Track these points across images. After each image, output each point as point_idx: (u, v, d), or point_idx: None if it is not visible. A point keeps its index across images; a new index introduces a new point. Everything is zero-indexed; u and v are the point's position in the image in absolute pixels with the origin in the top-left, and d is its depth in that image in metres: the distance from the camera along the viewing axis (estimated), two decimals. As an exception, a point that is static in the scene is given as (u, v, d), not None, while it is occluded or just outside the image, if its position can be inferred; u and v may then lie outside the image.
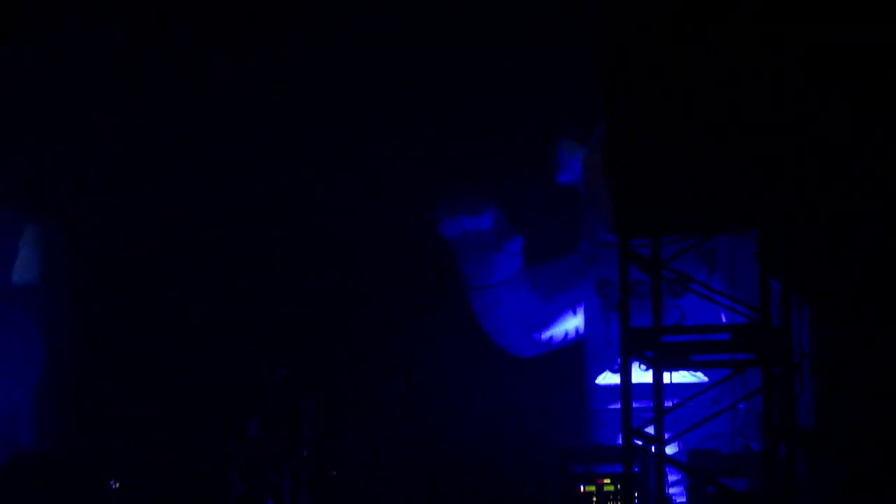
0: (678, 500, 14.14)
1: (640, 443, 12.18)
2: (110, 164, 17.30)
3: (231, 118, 17.29)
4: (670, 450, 13.19)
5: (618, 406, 12.34)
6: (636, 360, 12.31)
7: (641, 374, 13.18)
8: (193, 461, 15.24)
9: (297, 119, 17.22)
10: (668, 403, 12.61)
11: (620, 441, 12.27)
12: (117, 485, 15.19)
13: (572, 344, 16.03)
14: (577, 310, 15.93)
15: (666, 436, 12.17)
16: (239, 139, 17.31)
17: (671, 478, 13.98)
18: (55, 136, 17.18)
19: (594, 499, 13.86)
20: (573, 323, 16.01)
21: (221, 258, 17.38)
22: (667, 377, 12.81)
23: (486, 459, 16.35)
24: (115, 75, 17.15)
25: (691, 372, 14.40)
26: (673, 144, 11.60)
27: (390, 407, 17.24)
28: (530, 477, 15.19)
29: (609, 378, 15.28)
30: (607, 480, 13.84)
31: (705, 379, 14.37)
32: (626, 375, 11.92)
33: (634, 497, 12.99)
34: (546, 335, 16.09)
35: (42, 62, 17.00)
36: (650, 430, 12.16)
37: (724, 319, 14.22)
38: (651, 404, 12.33)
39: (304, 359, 15.82)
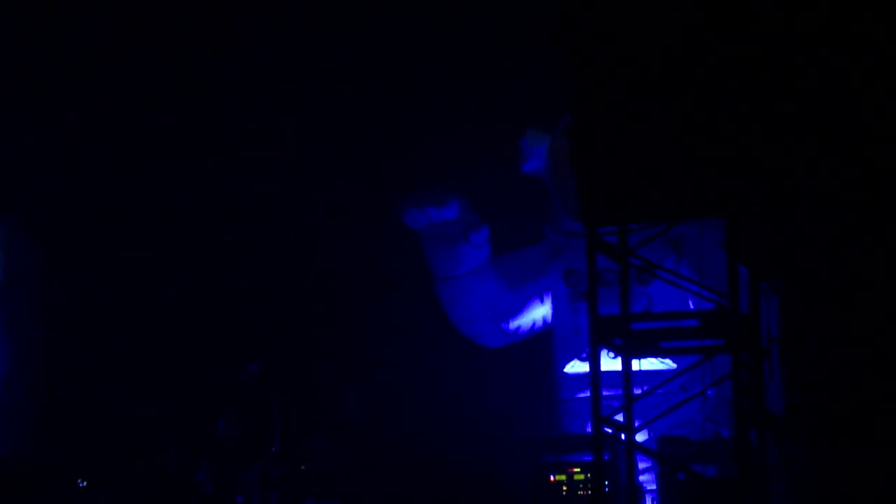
0: (649, 488, 14.14)
1: (609, 431, 12.16)
2: (74, 160, 17.20)
3: (193, 109, 17.22)
4: (640, 437, 13.19)
5: (587, 395, 12.33)
6: (605, 348, 12.29)
7: (610, 362, 13.16)
8: (162, 460, 15.15)
9: (262, 113, 17.16)
10: (638, 391, 12.60)
11: (590, 430, 12.26)
12: (85, 484, 15.10)
13: (540, 333, 16.02)
14: (545, 299, 15.92)
15: (636, 423, 12.16)
16: (203, 131, 17.23)
17: (642, 465, 13.97)
18: (16, 131, 17.06)
19: (564, 488, 13.84)
20: (541, 312, 15.99)
21: (188, 256, 17.30)
22: (636, 364, 12.77)
23: (456, 451, 16.31)
24: (78, 69, 17.06)
25: (660, 359, 14.40)
26: (638, 132, 11.57)
27: (358, 401, 17.19)
28: (500, 468, 15.15)
29: (577, 367, 15.27)
30: (577, 469, 13.82)
31: (674, 366, 14.36)
32: (594, 364, 11.90)
33: (605, 485, 12.96)
34: (514, 325, 16.08)
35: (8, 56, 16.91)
36: (620, 417, 12.15)
37: (692, 306, 14.21)
38: (620, 392, 12.33)
39: (272, 355, 15.75)
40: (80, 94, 17.12)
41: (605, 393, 11.97)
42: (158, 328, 17.13)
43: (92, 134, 17.23)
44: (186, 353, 16.89)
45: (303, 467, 15.50)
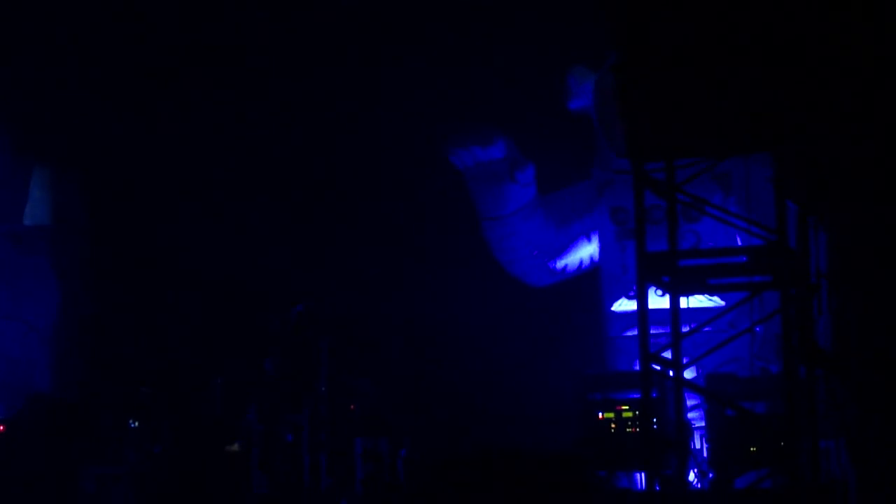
0: (697, 425, 14.13)
1: (658, 368, 12.14)
2: (121, 106, 17.26)
3: (236, 57, 17.24)
4: (688, 374, 13.14)
5: (634, 332, 12.30)
6: (652, 285, 12.24)
7: (657, 300, 13.12)
8: (211, 401, 15.24)
9: (309, 58, 17.15)
10: (685, 328, 12.55)
11: (638, 367, 12.24)
12: (136, 424, 15.21)
13: (587, 272, 15.99)
14: (592, 237, 15.88)
15: (684, 360, 12.13)
16: (246, 75, 17.24)
17: (690, 402, 13.97)
18: (63, 79, 17.13)
19: (613, 425, 13.83)
20: (588, 251, 15.96)
21: (235, 198, 17.34)
22: (683, 302, 12.74)
23: (504, 389, 16.34)
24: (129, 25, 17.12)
25: (708, 296, 14.33)
26: (685, 67, 11.47)
27: (404, 342, 17.22)
28: (548, 405, 15.17)
29: (625, 305, 15.24)
30: (626, 407, 13.81)
31: (722, 303, 14.30)
32: (642, 301, 11.85)
33: (653, 422, 12.95)
34: (561, 264, 16.05)
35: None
36: (668, 355, 12.12)
37: (740, 243, 14.13)
38: (668, 330, 12.29)
39: (318, 296, 15.79)
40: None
41: (652, 330, 11.93)
42: (206, 271, 17.19)
43: (142, 84, 17.29)
44: (234, 295, 16.95)
45: (351, 407, 15.55)
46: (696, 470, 13.77)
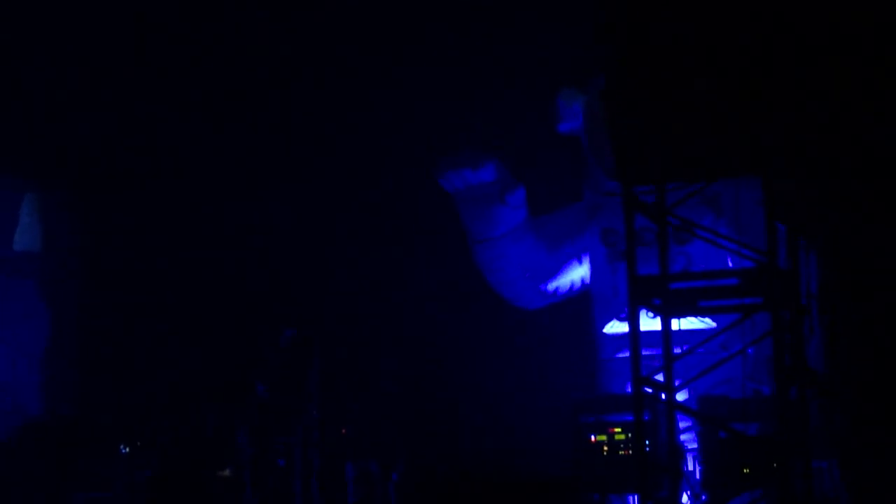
0: (690, 447, 14.11)
1: (650, 390, 12.13)
2: (111, 131, 17.24)
3: (222, 78, 17.24)
4: (681, 397, 13.14)
5: (626, 355, 12.28)
6: (644, 307, 12.24)
7: (649, 322, 13.10)
8: (202, 424, 15.21)
9: (294, 77, 17.16)
10: (677, 350, 12.54)
11: (630, 389, 12.22)
12: (127, 449, 15.18)
13: (578, 294, 15.96)
14: (583, 259, 15.85)
15: (676, 383, 12.12)
16: (235, 95, 17.24)
17: (682, 424, 13.93)
18: (57, 104, 17.14)
19: (605, 448, 13.80)
20: (579, 273, 15.94)
21: (225, 220, 17.32)
22: (675, 324, 12.73)
23: (495, 413, 16.31)
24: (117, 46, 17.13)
25: (700, 318, 14.31)
26: (673, 90, 11.49)
27: (395, 365, 17.20)
28: (540, 428, 15.14)
29: (617, 327, 15.21)
30: (618, 429, 13.77)
31: (714, 324, 14.27)
32: (634, 324, 11.86)
33: (646, 445, 12.93)
34: (552, 286, 16.02)
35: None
36: (660, 377, 12.12)
37: (730, 265, 14.12)
38: (660, 352, 12.28)
39: (310, 320, 15.76)
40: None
41: (644, 353, 11.93)
42: (197, 294, 17.16)
43: (129, 104, 17.27)
44: (225, 318, 16.92)
45: (343, 431, 15.54)
46: (689, 492, 13.75)
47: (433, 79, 16.72)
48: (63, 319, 16.80)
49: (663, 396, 12.18)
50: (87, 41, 17.01)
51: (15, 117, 17.08)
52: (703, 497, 13.46)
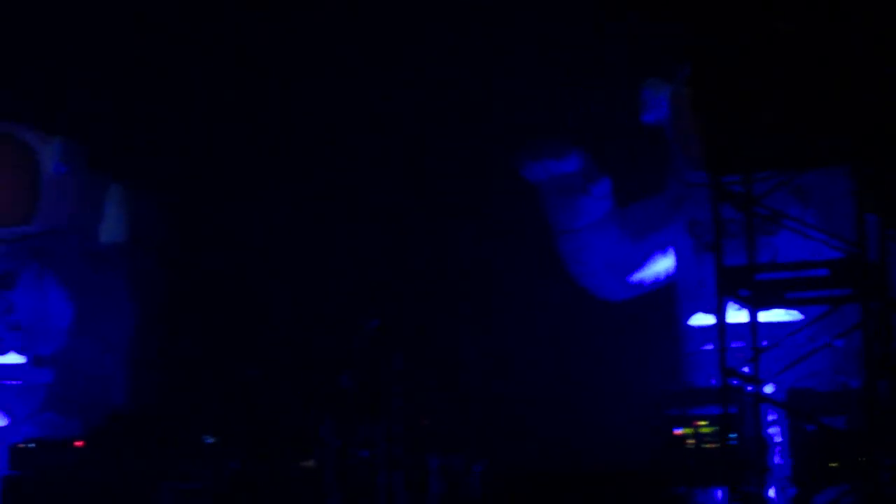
0: (776, 440, 13.99)
1: (736, 383, 12.04)
2: (195, 123, 17.37)
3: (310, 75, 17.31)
4: (767, 389, 13.02)
5: (712, 347, 12.18)
6: (731, 299, 12.13)
7: (735, 314, 12.99)
8: (286, 415, 15.27)
9: (381, 67, 17.20)
10: (764, 343, 12.44)
11: (716, 382, 12.13)
12: (212, 440, 15.26)
13: (663, 286, 15.86)
14: (668, 251, 15.74)
15: (762, 375, 12.02)
16: (321, 92, 17.30)
17: (769, 417, 13.81)
18: (138, 97, 17.29)
19: (691, 441, 13.71)
20: (664, 264, 15.82)
21: (310, 213, 17.38)
22: (762, 316, 12.62)
23: (579, 405, 16.23)
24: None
25: (787, 310, 14.17)
26: (763, 78, 11.38)
27: (478, 357, 17.17)
28: (625, 421, 15.05)
29: (702, 319, 15.07)
30: (703, 422, 13.66)
31: (801, 317, 14.12)
32: (720, 315, 11.77)
33: (732, 438, 12.82)
34: (636, 277, 15.93)
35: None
36: (746, 370, 12.02)
37: (818, 256, 13.94)
38: (746, 344, 12.19)
39: (393, 310, 15.78)
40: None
41: (730, 345, 11.84)
42: (280, 286, 17.24)
43: (216, 97, 17.41)
44: (310, 309, 16.99)
45: (425, 423, 15.54)
46: (775, 486, 13.64)
47: (518, 69, 16.68)
48: (148, 311, 16.92)
49: (750, 389, 12.09)
50: (171, 34, 17.16)
51: (101, 112, 17.25)
52: (790, 491, 13.33)
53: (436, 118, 17.07)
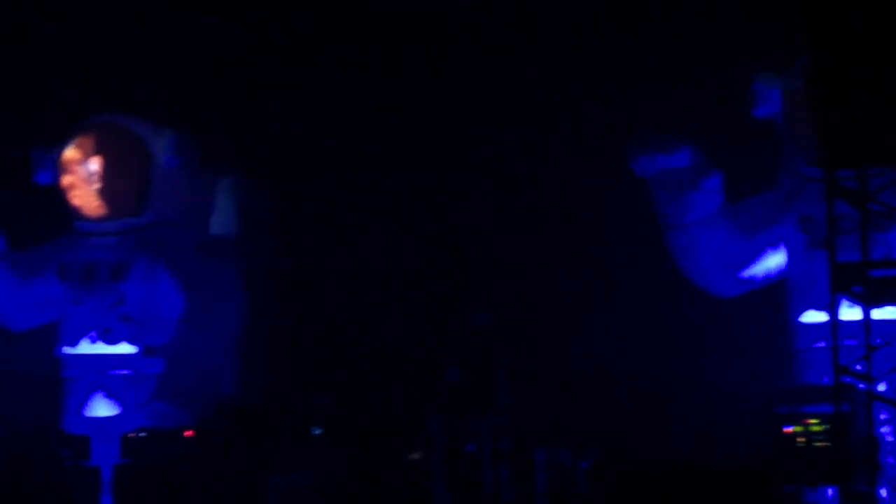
0: (889, 440, 13.82)
1: (848, 381, 11.91)
2: (308, 116, 17.49)
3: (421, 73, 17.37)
4: (880, 388, 12.87)
5: (823, 344, 12.05)
6: (844, 296, 11.99)
7: (848, 311, 12.84)
8: (394, 408, 15.32)
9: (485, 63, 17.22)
10: (877, 341, 12.29)
11: (828, 380, 12.01)
12: (319, 431, 15.35)
13: (774, 282, 15.69)
14: (779, 247, 15.58)
15: (875, 373, 11.88)
16: (432, 85, 17.34)
17: (881, 416, 13.65)
18: (255, 90, 17.44)
19: (801, 439, 13.57)
20: (775, 260, 15.65)
21: (417, 205, 17.42)
22: (875, 313, 12.46)
23: (688, 400, 16.12)
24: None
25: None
26: (880, 71, 11.22)
27: (588, 352, 17.10)
28: (734, 418, 14.93)
29: (814, 316, 14.89)
30: (815, 420, 13.51)
31: (916, 315, 13.92)
32: (833, 313, 11.66)
33: (844, 437, 12.66)
34: (747, 273, 15.78)
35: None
36: (859, 367, 11.88)
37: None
38: (858, 342, 12.05)
39: (502, 304, 15.78)
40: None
41: (843, 343, 11.70)
42: (389, 278, 17.29)
43: (328, 88, 17.51)
44: (418, 302, 17.02)
45: (531, 418, 15.53)
46: (887, 486, 13.48)
47: (629, 63, 16.60)
48: (258, 303, 17.02)
49: (863, 387, 11.95)
50: (283, 24, 17.30)
51: (213, 103, 17.41)
52: (903, 491, 13.19)
53: (544, 113, 17.05)
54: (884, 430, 13.83)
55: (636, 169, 15.44)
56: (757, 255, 15.69)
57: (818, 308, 14.65)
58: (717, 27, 16.21)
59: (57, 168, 16.97)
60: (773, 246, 15.59)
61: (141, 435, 15.57)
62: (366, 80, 17.43)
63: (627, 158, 15.39)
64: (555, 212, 17.14)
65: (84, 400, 16.62)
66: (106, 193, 16.86)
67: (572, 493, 14.98)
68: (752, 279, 15.78)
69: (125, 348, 16.58)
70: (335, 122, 17.53)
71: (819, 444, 13.40)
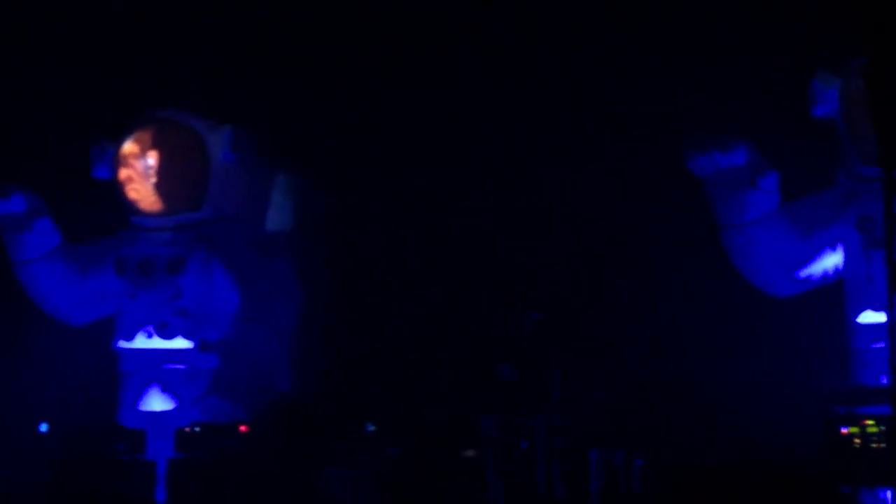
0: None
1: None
2: (364, 114, 17.53)
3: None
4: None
5: (881, 345, 11.94)
6: (902, 296, 11.88)
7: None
8: (447, 405, 15.36)
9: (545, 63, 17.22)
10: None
11: (885, 381, 11.91)
12: (373, 428, 15.40)
13: (831, 282, 15.60)
14: (837, 247, 15.49)
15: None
16: (496, 84, 17.35)
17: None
18: (311, 87, 17.50)
19: (857, 441, 13.49)
20: (832, 260, 15.55)
21: (472, 202, 17.43)
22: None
23: (743, 399, 16.04)
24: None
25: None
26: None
27: (641, 351, 17.06)
28: (789, 417, 14.86)
29: (871, 317, 14.78)
30: (871, 422, 13.44)
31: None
32: (891, 313, 11.54)
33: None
34: (804, 273, 15.69)
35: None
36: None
37: None
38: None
39: (556, 302, 15.78)
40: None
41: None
42: (443, 275, 17.32)
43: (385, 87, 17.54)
44: (473, 300, 17.03)
45: (586, 416, 15.53)
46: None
47: (687, 61, 16.55)
48: (313, 299, 17.09)
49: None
50: (340, 22, 17.35)
51: (269, 100, 17.49)
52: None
53: (600, 112, 17.03)
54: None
55: (693, 167, 15.38)
56: (814, 254, 15.60)
57: (876, 308, 14.56)
58: (778, 26, 16.13)
59: (115, 162, 17.11)
60: (831, 246, 15.50)
61: (195, 430, 15.68)
62: (429, 76, 17.43)
63: (684, 156, 15.34)
64: (610, 210, 17.11)
65: (140, 394, 16.72)
66: (162, 188, 16.96)
67: (625, 492, 14.96)
68: (808, 279, 15.69)
69: (181, 343, 16.66)
70: (394, 117, 17.56)
71: (875, 445, 13.34)
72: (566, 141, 17.24)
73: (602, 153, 17.03)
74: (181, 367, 16.66)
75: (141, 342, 16.75)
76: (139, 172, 16.96)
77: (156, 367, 16.69)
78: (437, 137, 17.57)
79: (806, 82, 15.27)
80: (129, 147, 17.01)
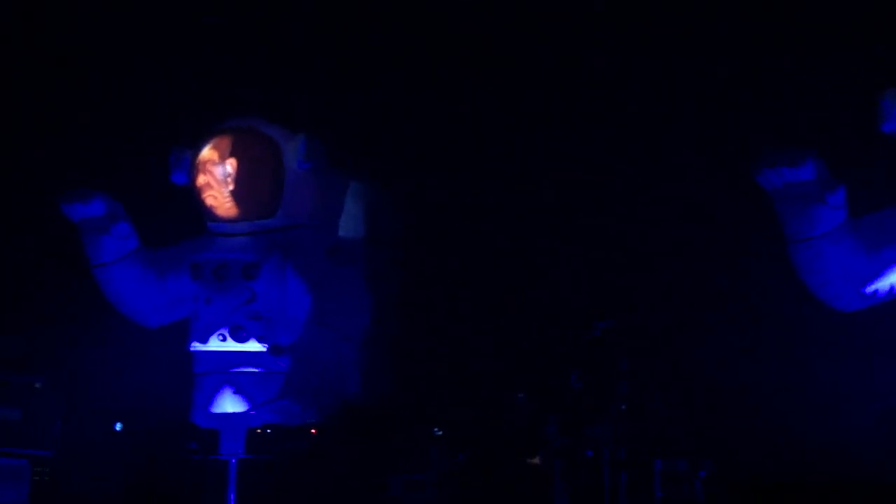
0: None
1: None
2: (436, 123, 17.68)
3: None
4: None
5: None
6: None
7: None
8: (515, 412, 15.44)
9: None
10: None
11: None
12: (440, 432, 15.53)
13: (898, 297, 15.62)
14: (904, 262, 15.49)
15: None
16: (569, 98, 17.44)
17: None
18: (385, 96, 17.66)
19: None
20: (899, 276, 15.58)
21: (547, 211, 17.53)
22: None
23: (813, 413, 16.07)
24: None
25: None
26: None
27: (709, 361, 17.10)
28: (859, 432, 14.87)
29: (938, 333, 14.83)
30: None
31: None
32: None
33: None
34: (871, 288, 15.69)
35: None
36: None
37: None
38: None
39: (624, 312, 15.82)
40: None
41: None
42: (512, 282, 17.41)
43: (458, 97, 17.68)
44: (541, 308, 17.12)
45: (650, 427, 15.57)
46: None
47: (757, 74, 16.59)
48: (384, 305, 17.23)
49: None
50: (413, 30, 17.51)
51: (343, 108, 17.68)
52: None
53: (673, 123, 17.08)
54: None
55: (760, 181, 15.42)
56: (882, 270, 15.58)
57: (943, 323, 14.58)
58: (848, 42, 16.15)
59: (193, 169, 17.34)
60: (898, 261, 15.52)
61: (266, 431, 15.87)
62: (509, 89, 17.55)
63: (753, 171, 15.39)
64: (680, 221, 17.17)
65: (212, 396, 16.94)
66: (239, 195, 17.17)
67: (689, 502, 15.00)
68: (875, 294, 15.70)
69: (253, 346, 16.85)
70: (467, 127, 17.69)
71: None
72: (641, 153, 17.31)
73: (677, 166, 17.10)
74: (254, 369, 16.84)
75: (214, 345, 16.96)
76: (217, 179, 17.17)
77: (229, 370, 16.90)
78: (513, 148, 17.69)
79: (875, 98, 15.28)
80: (207, 154, 17.23)
